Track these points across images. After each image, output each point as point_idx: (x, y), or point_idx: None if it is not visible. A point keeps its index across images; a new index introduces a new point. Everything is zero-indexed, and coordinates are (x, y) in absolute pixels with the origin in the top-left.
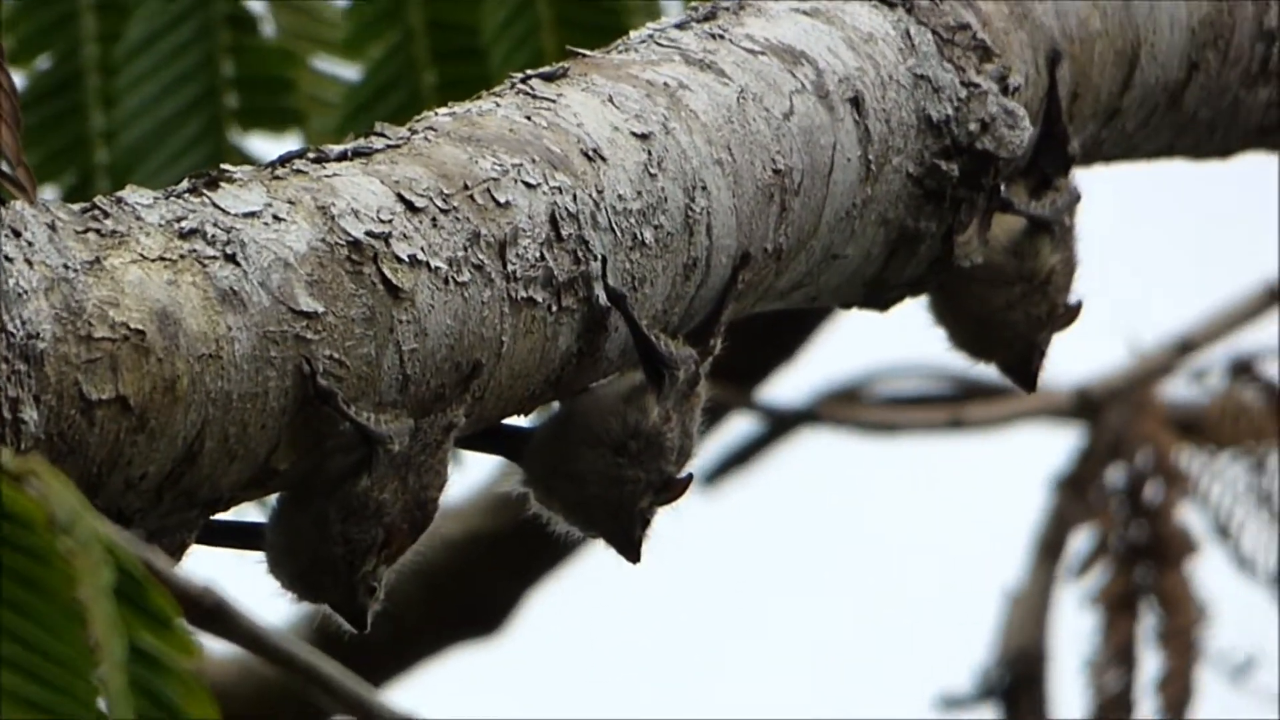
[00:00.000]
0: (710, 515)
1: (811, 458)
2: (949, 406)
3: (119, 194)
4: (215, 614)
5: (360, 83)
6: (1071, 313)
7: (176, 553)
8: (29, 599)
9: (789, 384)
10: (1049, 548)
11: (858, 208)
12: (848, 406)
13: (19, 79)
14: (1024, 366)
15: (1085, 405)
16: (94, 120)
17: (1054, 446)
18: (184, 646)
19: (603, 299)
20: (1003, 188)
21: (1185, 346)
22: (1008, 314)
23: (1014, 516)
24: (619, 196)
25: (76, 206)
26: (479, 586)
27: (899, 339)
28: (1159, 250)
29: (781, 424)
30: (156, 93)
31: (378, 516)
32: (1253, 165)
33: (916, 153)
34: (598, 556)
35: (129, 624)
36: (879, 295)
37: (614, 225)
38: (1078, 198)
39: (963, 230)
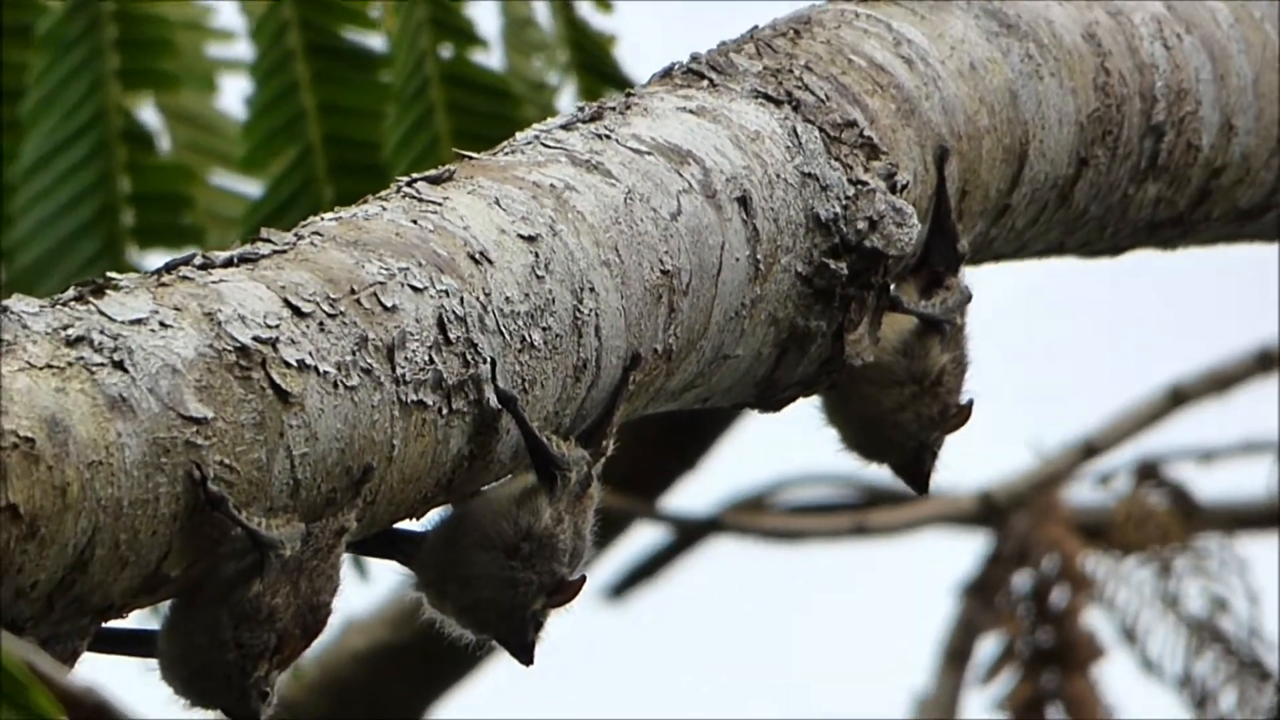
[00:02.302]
0: (617, 625)
1: (718, 566)
2: (853, 513)
3: (4, 302)
4: (98, 715)
5: (261, 199)
6: (963, 413)
7: (69, 660)
8: None
9: (694, 493)
10: (956, 653)
11: (747, 307)
12: (753, 514)
13: None
14: (916, 468)
15: (989, 510)
16: None
17: (959, 552)
18: None
19: (493, 401)
20: (892, 287)
21: (1089, 450)
22: (898, 415)
23: (921, 622)
24: (506, 299)
25: None
26: (385, 699)
27: (804, 446)
28: (1063, 353)
29: (687, 533)
30: (54, 212)
31: (270, 622)
32: (1159, 266)
33: (805, 251)
34: (505, 667)
35: None
36: (771, 395)
37: (502, 328)
38: (968, 297)
39: (853, 329)
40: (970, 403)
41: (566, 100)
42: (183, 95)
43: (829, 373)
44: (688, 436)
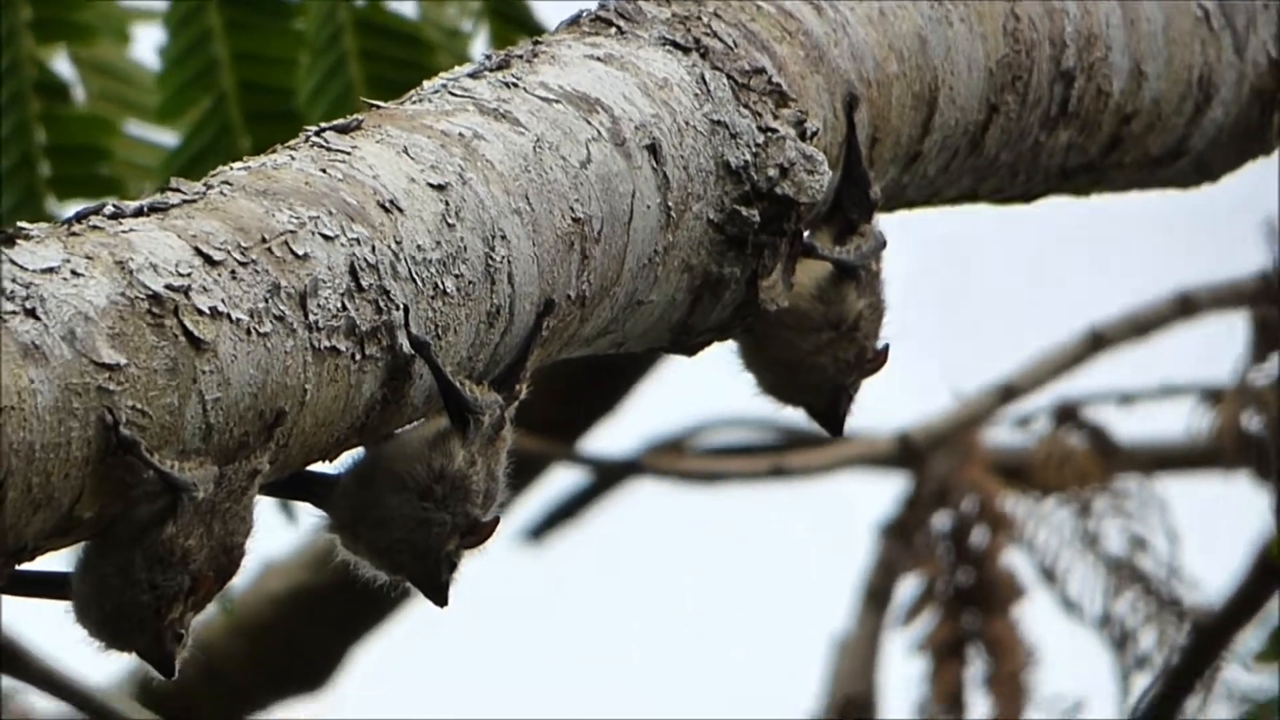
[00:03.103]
0: (536, 568)
1: (636, 509)
2: (772, 455)
3: None
4: (6, 653)
5: (177, 148)
6: (879, 357)
7: None
8: None
9: (613, 436)
10: (876, 594)
11: (660, 254)
12: (672, 457)
13: None
14: (832, 410)
15: (908, 452)
16: None
17: (877, 493)
18: None
19: (406, 347)
20: (806, 234)
21: (1008, 392)
22: (815, 358)
23: (840, 564)
24: (418, 247)
25: None
26: (303, 642)
27: (722, 390)
28: (981, 296)
29: (606, 476)
30: None
31: (184, 564)
32: (1078, 210)
33: (717, 199)
34: (424, 610)
35: None
36: (685, 340)
37: (414, 275)
38: (882, 243)
39: (766, 275)
40: (886, 347)
41: (480, 48)
42: (97, 46)
43: (743, 318)
44: (607, 379)
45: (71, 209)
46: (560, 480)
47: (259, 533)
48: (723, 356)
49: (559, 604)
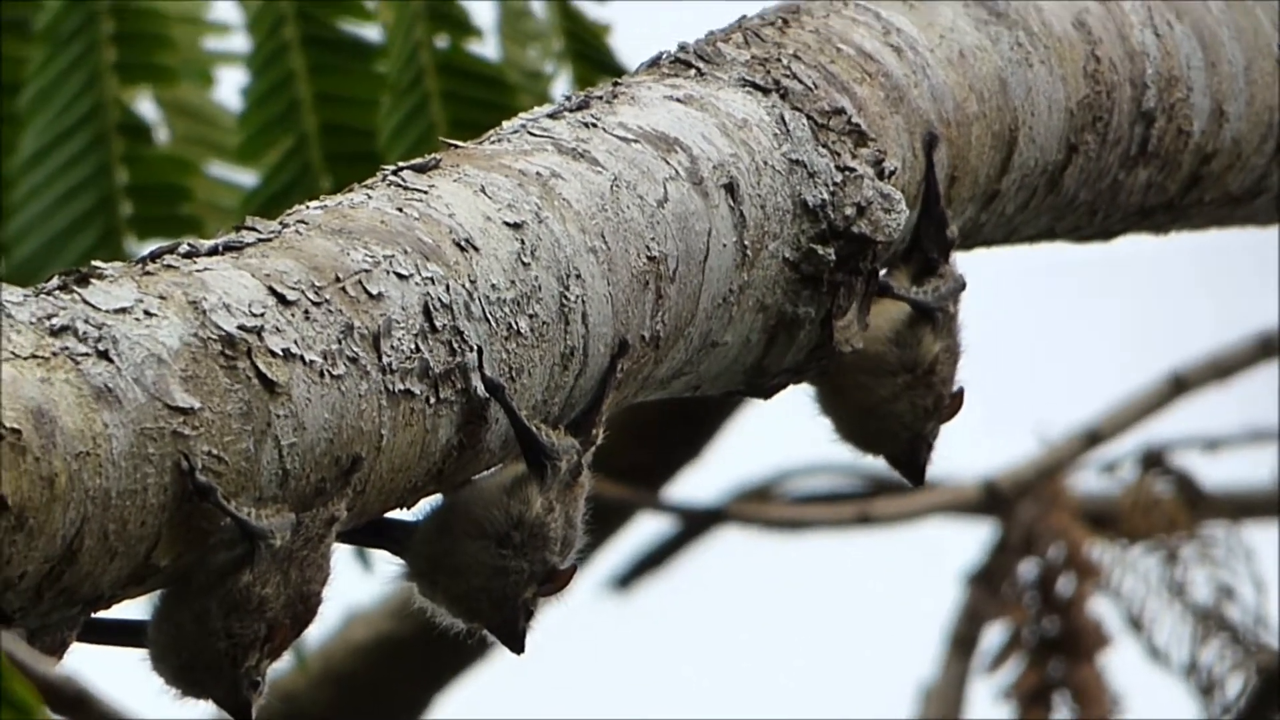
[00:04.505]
0: (622, 616)
1: (722, 557)
2: (858, 502)
3: None
4: (77, 702)
5: (257, 188)
6: (955, 401)
7: (58, 650)
8: None
9: (698, 483)
10: (962, 642)
11: (735, 293)
12: (757, 504)
13: None
14: (911, 459)
15: (993, 498)
16: None
17: (964, 540)
18: None
19: (481, 390)
20: (883, 274)
21: (1093, 438)
22: (893, 405)
23: (926, 611)
24: (492, 286)
25: None
26: (388, 690)
27: (808, 436)
28: (1066, 340)
29: (692, 523)
30: (52, 204)
31: (260, 611)
32: (1159, 251)
33: (793, 237)
34: (509, 660)
35: None
36: (761, 382)
37: (488, 315)
38: (961, 285)
39: (841, 315)
40: (961, 391)
41: (562, 89)
42: (180, 88)
43: (818, 359)
44: (691, 426)
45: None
46: (646, 528)
47: (337, 581)
48: (806, 401)
49: (645, 653)
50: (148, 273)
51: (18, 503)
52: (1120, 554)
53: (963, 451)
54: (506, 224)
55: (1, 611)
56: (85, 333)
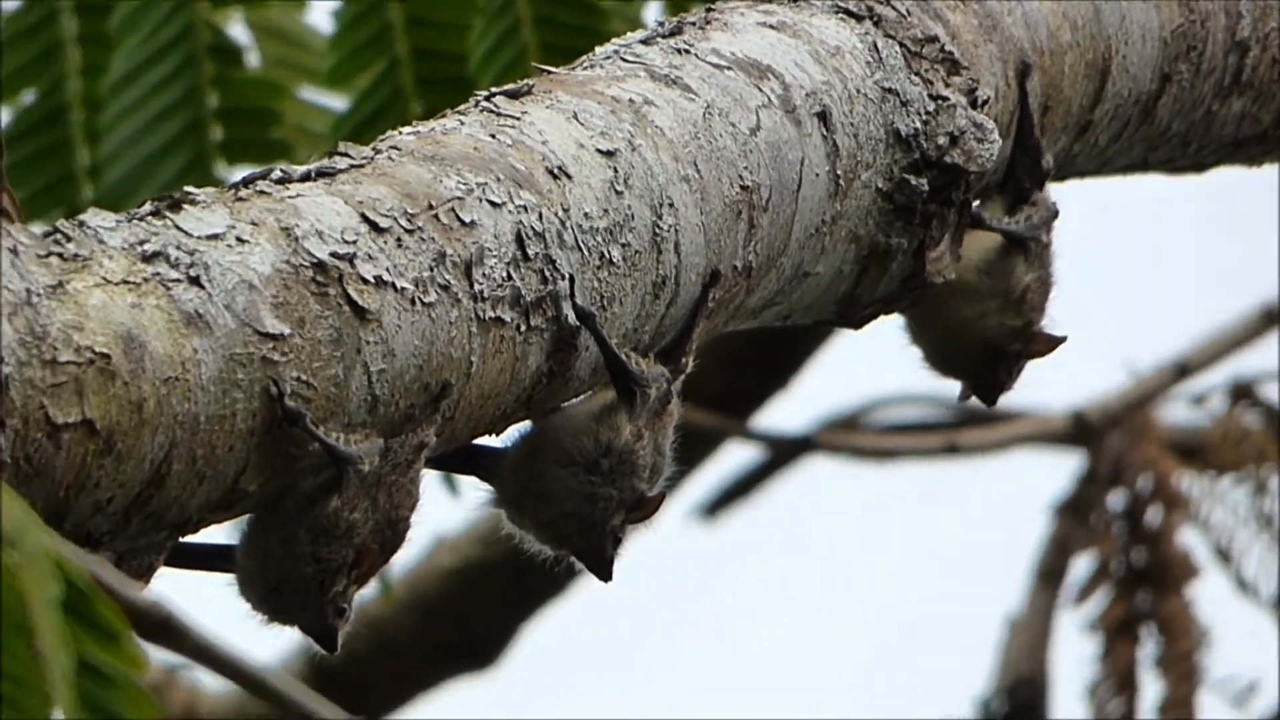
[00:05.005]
0: (710, 545)
1: (810, 486)
2: (946, 432)
3: (81, 217)
4: (164, 627)
5: (347, 112)
6: (1051, 341)
7: (145, 575)
8: None
9: (786, 412)
10: (1049, 573)
11: (827, 224)
12: (845, 434)
13: (5, 114)
14: (989, 377)
15: (1081, 430)
16: (79, 156)
17: (1051, 471)
18: (132, 660)
19: (571, 318)
20: (976, 204)
21: (1183, 370)
22: (979, 323)
23: (1013, 542)
24: (585, 214)
25: (38, 230)
26: (474, 618)
27: (896, 366)
28: (1156, 272)
29: (780, 452)
30: (142, 127)
31: (348, 537)
32: (1252, 184)
33: (885, 167)
34: (596, 587)
35: (77, 637)
36: (852, 312)
37: (581, 244)
38: (1054, 214)
39: (934, 246)
40: (1063, 336)
41: (654, 13)
42: (271, 10)
43: (910, 290)
44: (780, 355)
45: (240, 174)
46: (734, 457)
47: (425, 507)
48: (895, 331)
49: (732, 581)
50: (240, 199)
51: (106, 427)
52: (1209, 485)
53: (1051, 382)
54: (600, 151)
55: (89, 535)
56: (177, 259)
